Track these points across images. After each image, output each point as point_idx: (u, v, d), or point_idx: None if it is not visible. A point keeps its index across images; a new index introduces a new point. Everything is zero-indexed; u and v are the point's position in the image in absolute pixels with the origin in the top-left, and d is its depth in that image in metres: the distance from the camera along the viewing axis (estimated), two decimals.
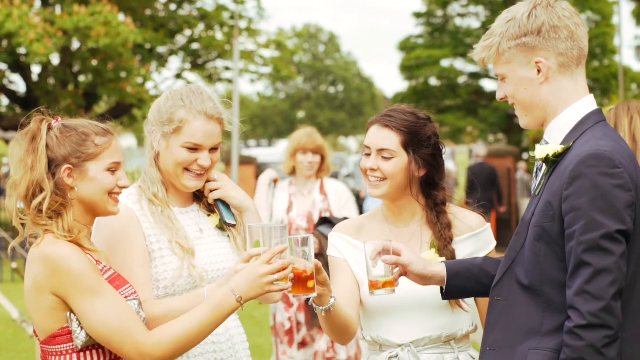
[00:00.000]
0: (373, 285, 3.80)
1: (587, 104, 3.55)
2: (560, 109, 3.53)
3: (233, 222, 4.24)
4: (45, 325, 3.70)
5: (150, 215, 4.09)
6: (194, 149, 4.10)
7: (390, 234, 4.26)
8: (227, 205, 4.26)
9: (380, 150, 4.20)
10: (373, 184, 4.23)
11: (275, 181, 9.03)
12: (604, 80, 34.24)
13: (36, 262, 3.66)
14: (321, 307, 3.96)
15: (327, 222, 8.15)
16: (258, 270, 3.66)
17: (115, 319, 3.61)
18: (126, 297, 3.74)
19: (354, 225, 4.38)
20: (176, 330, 3.65)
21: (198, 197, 4.31)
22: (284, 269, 3.66)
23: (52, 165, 3.73)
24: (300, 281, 3.73)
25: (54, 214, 3.72)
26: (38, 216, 3.71)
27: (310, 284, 3.74)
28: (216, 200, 4.25)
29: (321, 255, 7.46)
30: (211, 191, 4.24)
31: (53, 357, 3.73)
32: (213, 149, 4.15)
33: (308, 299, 3.88)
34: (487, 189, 23.55)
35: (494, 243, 4.31)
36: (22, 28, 24.16)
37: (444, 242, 4.21)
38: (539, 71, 3.52)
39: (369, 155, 4.25)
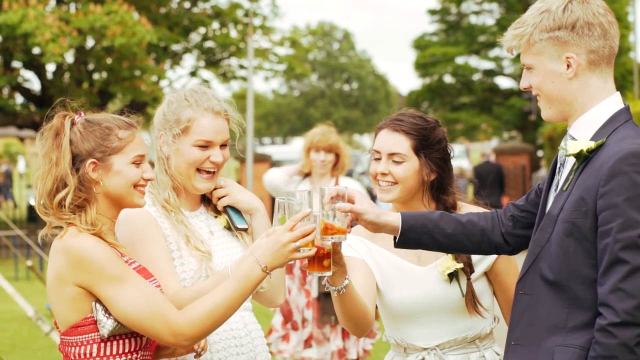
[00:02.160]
0: (326, 229, 3.70)
1: (615, 101, 3.53)
2: (588, 106, 3.51)
3: (245, 226, 4.24)
4: (68, 316, 3.72)
5: (165, 218, 4.11)
6: (205, 146, 4.11)
7: None
8: (236, 210, 4.26)
9: (391, 155, 4.18)
10: (384, 189, 4.21)
11: (306, 174, 8.99)
12: (620, 78, 34.18)
13: (59, 254, 3.69)
14: (334, 287, 3.91)
15: None
16: (281, 238, 3.64)
17: (146, 303, 3.62)
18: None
19: None
20: (206, 306, 3.65)
21: (205, 199, 4.32)
22: (306, 235, 3.64)
23: (77, 161, 3.76)
24: (316, 259, 3.73)
25: (77, 208, 3.75)
26: (61, 211, 3.74)
27: (326, 262, 3.73)
28: (225, 207, 4.26)
29: None
30: (219, 198, 4.25)
31: (73, 348, 3.73)
32: (222, 145, 4.17)
33: (323, 278, 3.87)
34: (493, 187, 23.62)
35: None
36: (37, 28, 24.21)
37: None
38: (568, 66, 3.49)
39: (378, 159, 4.23)
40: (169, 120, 4.13)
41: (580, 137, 3.51)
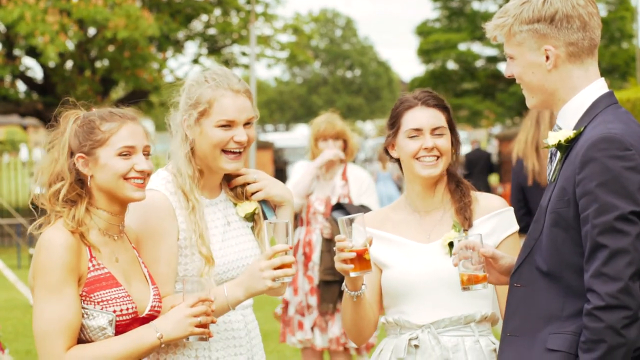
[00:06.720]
0: (470, 280, 3.83)
1: (598, 87, 3.56)
2: (570, 95, 3.55)
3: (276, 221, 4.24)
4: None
5: (184, 209, 4.08)
6: (228, 125, 4.08)
7: (416, 223, 4.32)
8: (268, 203, 4.27)
9: (435, 129, 4.27)
10: (430, 164, 4.25)
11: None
12: (623, 65, 34.10)
13: (37, 243, 3.73)
14: (353, 292, 4.04)
15: (342, 208, 8.16)
16: (183, 311, 3.73)
17: (47, 324, 3.63)
18: (107, 300, 3.72)
19: (377, 217, 4.42)
20: (95, 353, 3.67)
21: (226, 184, 4.29)
22: (207, 314, 3.75)
23: (73, 156, 3.79)
24: (357, 259, 3.89)
25: (70, 202, 3.75)
26: (55, 203, 3.75)
27: (367, 255, 3.91)
28: (259, 201, 4.25)
29: (331, 241, 7.40)
30: (253, 193, 4.25)
31: None
32: (247, 124, 4.13)
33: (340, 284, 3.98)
34: (483, 175, 24.00)
35: (517, 226, 4.31)
36: (35, 28, 24.09)
37: (461, 204, 4.27)
38: (547, 58, 3.53)
39: (414, 137, 4.27)
40: (190, 103, 4.11)
41: (565, 126, 3.56)
